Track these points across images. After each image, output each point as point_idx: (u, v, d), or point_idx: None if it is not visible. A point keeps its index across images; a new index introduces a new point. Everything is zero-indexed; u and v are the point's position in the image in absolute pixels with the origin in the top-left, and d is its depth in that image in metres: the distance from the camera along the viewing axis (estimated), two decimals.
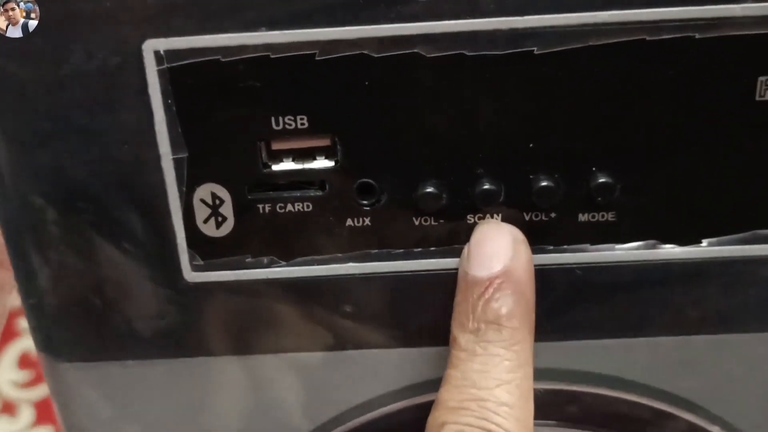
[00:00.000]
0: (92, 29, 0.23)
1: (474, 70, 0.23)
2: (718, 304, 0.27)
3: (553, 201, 0.25)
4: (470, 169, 0.25)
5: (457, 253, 0.26)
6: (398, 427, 0.28)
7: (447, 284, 0.26)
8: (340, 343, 0.28)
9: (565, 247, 0.26)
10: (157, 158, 0.25)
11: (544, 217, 0.26)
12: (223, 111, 0.24)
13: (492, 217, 0.26)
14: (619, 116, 0.24)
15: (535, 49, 0.23)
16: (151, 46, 0.23)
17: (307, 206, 0.25)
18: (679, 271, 0.26)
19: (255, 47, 0.23)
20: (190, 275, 0.26)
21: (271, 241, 0.26)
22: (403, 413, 0.28)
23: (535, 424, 0.26)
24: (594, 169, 0.25)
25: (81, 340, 0.28)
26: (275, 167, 0.25)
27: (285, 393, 0.29)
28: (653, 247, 0.26)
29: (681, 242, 0.26)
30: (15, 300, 0.86)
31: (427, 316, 0.27)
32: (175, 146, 0.25)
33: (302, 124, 0.24)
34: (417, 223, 0.26)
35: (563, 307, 0.27)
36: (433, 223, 0.26)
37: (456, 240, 0.26)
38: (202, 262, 0.26)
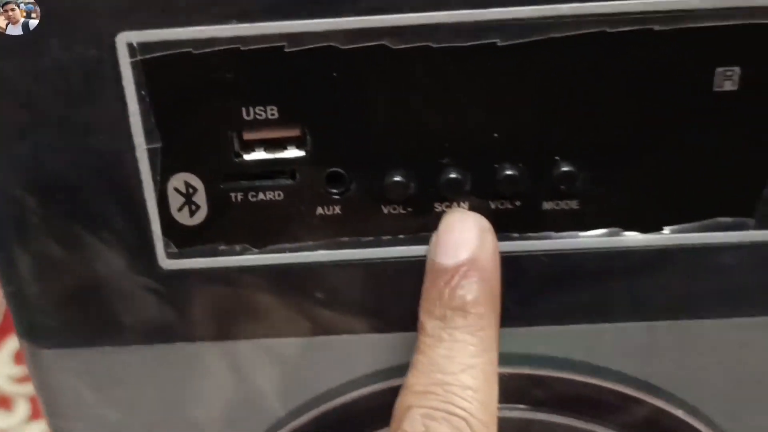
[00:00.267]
0: (68, 23, 0.24)
1: (439, 62, 0.24)
2: (680, 290, 0.27)
3: (517, 189, 0.26)
4: (436, 158, 0.25)
5: (425, 241, 0.26)
6: (369, 410, 0.29)
7: (416, 271, 0.27)
8: (313, 328, 0.28)
9: (530, 234, 0.26)
10: (132, 149, 0.25)
11: (509, 206, 0.26)
12: (195, 102, 0.25)
13: (459, 205, 0.26)
14: (581, 106, 0.25)
15: (498, 41, 0.24)
16: (125, 39, 0.24)
17: (279, 195, 0.26)
18: (642, 257, 0.27)
19: (225, 40, 0.24)
20: (166, 263, 0.27)
21: (244, 229, 0.27)
22: (373, 398, 0.29)
23: (502, 408, 0.26)
24: (557, 158, 0.25)
25: (61, 327, 0.28)
26: (247, 157, 0.26)
27: (260, 377, 0.29)
28: (616, 234, 0.26)
29: (643, 229, 0.26)
30: None
31: (396, 303, 0.27)
32: (149, 137, 0.25)
33: (272, 114, 0.25)
34: (386, 211, 0.26)
35: (529, 293, 0.27)
36: (401, 211, 0.26)
37: (424, 228, 0.26)
38: (176, 250, 0.27)
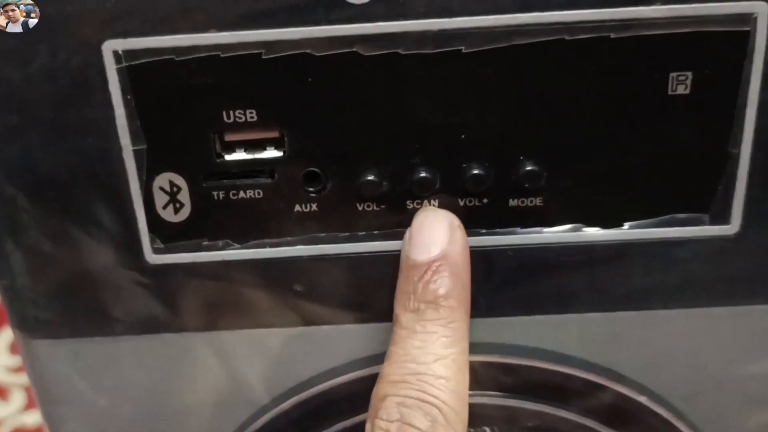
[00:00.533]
0: (56, 31, 0.25)
1: (408, 68, 0.25)
2: (639, 282, 0.28)
3: (484, 188, 0.27)
4: (407, 158, 0.26)
5: (398, 237, 0.28)
6: (347, 397, 0.30)
7: (390, 265, 0.28)
8: (293, 320, 0.29)
9: (497, 230, 0.28)
10: (119, 150, 0.26)
11: (477, 203, 0.27)
12: (178, 106, 0.26)
13: (430, 203, 0.27)
14: (543, 109, 0.26)
15: (463, 48, 0.25)
16: (110, 47, 0.25)
17: (258, 193, 0.27)
18: (603, 252, 0.28)
19: (206, 47, 0.25)
20: (152, 257, 0.28)
21: (226, 225, 0.28)
22: (351, 385, 0.30)
23: (473, 395, 0.28)
24: (521, 158, 0.26)
25: (53, 319, 0.29)
26: (228, 157, 0.27)
27: (244, 366, 0.30)
28: (578, 229, 0.28)
29: (604, 225, 0.28)
30: None
31: (372, 295, 0.29)
32: (134, 139, 0.26)
33: (252, 117, 0.26)
34: (360, 208, 0.27)
35: (497, 286, 0.28)
36: (375, 208, 0.27)
37: (397, 224, 0.28)
38: (162, 246, 0.28)
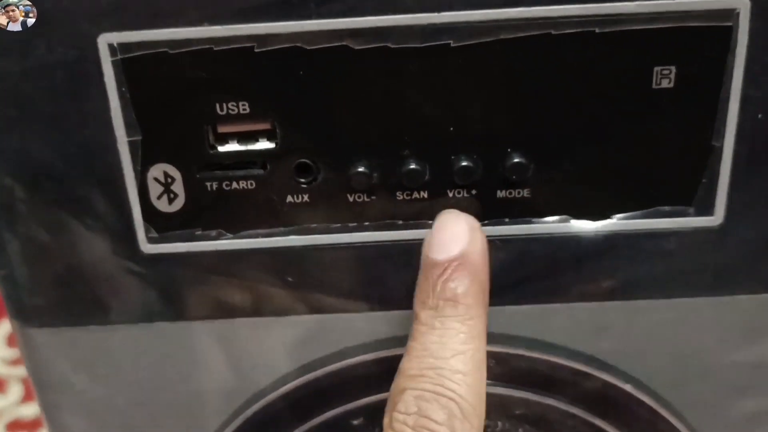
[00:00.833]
0: (53, 25, 0.25)
1: (398, 61, 0.26)
2: (625, 273, 0.29)
3: (472, 179, 0.27)
4: (397, 150, 0.27)
5: (389, 227, 0.28)
6: (339, 384, 0.31)
7: (381, 255, 0.28)
8: (284, 309, 0.30)
9: (486, 221, 0.28)
10: (114, 141, 0.27)
11: (465, 194, 0.28)
12: (172, 98, 0.26)
13: (419, 194, 0.28)
14: (530, 103, 0.26)
15: (452, 42, 0.25)
16: (106, 40, 0.25)
17: (251, 184, 0.28)
18: (590, 243, 0.28)
19: (199, 41, 0.25)
20: (146, 247, 0.28)
21: (219, 215, 0.28)
22: (348, 370, 0.30)
23: None
24: (509, 150, 0.27)
25: (49, 308, 0.30)
26: (221, 148, 0.27)
27: (238, 354, 0.31)
28: (566, 221, 0.28)
29: (591, 217, 0.28)
30: None
31: (363, 284, 0.29)
32: (129, 130, 0.27)
33: (244, 109, 0.26)
34: (351, 199, 0.28)
35: None
36: (365, 199, 0.28)
37: (387, 215, 0.28)
38: (156, 235, 0.28)
